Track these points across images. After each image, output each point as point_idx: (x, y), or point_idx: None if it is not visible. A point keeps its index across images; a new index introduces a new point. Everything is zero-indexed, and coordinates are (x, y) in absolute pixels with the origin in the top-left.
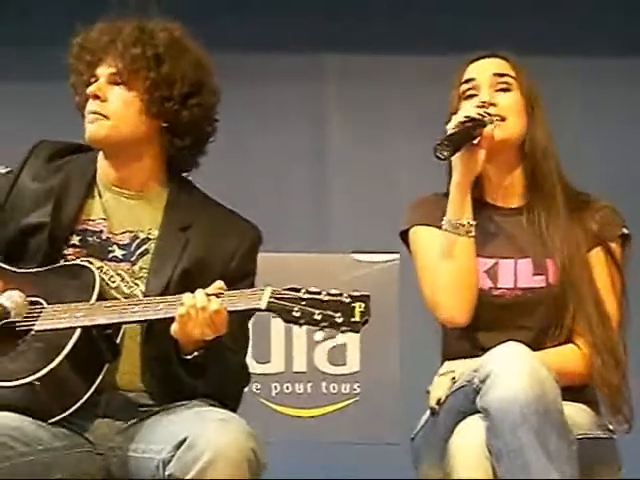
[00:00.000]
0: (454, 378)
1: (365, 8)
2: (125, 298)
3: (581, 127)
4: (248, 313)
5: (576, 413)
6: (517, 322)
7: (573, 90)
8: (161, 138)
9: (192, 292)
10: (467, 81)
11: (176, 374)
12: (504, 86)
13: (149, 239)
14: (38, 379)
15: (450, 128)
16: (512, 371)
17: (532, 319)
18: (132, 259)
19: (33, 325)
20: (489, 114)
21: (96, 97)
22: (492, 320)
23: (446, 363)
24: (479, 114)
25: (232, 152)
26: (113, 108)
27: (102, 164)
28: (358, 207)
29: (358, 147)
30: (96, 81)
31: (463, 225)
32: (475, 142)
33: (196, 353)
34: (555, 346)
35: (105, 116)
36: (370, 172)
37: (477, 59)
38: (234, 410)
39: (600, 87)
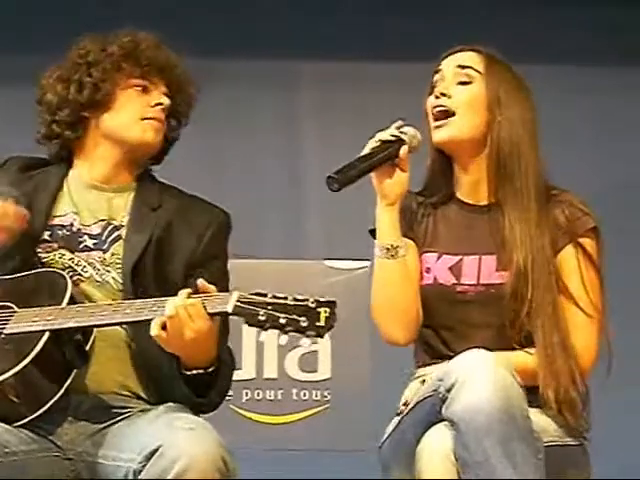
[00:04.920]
0: (424, 381)
1: (340, 13)
2: (97, 286)
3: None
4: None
5: (544, 419)
6: (482, 319)
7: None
8: None
9: (166, 263)
10: (436, 72)
11: (161, 374)
12: (465, 79)
13: (122, 226)
14: (3, 381)
15: (362, 154)
16: (477, 380)
17: (496, 316)
18: (104, 247)
19: (3, 329)
20: (405, 133)
21: (163, 110)
22: (458, 316)
23: (418, 370)
24: (392, 135)
25: (206, 158)
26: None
27: (95, 159)
28: (331, 214)
29: (332, 153)
30: (149, 86)
31: (388, 249)
32: (396, 162)
33: (195, 372)
34: (518, 343)
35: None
36: None
37: (452, 53)
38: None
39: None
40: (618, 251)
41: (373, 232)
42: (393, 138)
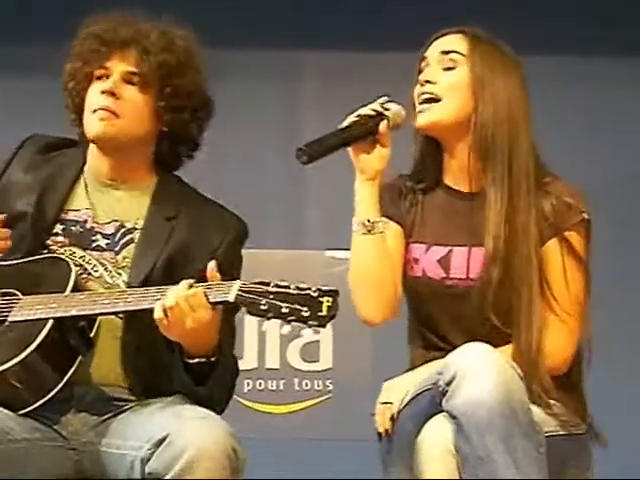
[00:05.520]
0: (393, 413)
1: (343, 4)
2: (107, 288)
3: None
4: (230, 308)
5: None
6: (473, 312)
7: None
8: (158, 140)
9: (176, 281)
10: (422, 59)
11: (161, 366)
12: (449, 64)
13: (135, 229)
14: (8, 369)
15: (338, 127)
16: (477, 373)
17: (487, 310)
18: (116, 249)
19: (7, 316)
20: (387, 109)
21: (111, 94)
22: (449, 311)
23: (384, 386)
24: (373, 109)
25: (208, 149)
26: (126, 108)
27: (94, 158)
28: (333, 204)
29: None
30: (106, 72)
31: (365, 224)
32: (377, 138)
33: (197, 360)
34: (508, 335)
35: (117, 115)
36: (345, 169)
37: (437, 37)
38: (224, 408)
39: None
40: (619, 244)
41: None
42: (373, 113)
